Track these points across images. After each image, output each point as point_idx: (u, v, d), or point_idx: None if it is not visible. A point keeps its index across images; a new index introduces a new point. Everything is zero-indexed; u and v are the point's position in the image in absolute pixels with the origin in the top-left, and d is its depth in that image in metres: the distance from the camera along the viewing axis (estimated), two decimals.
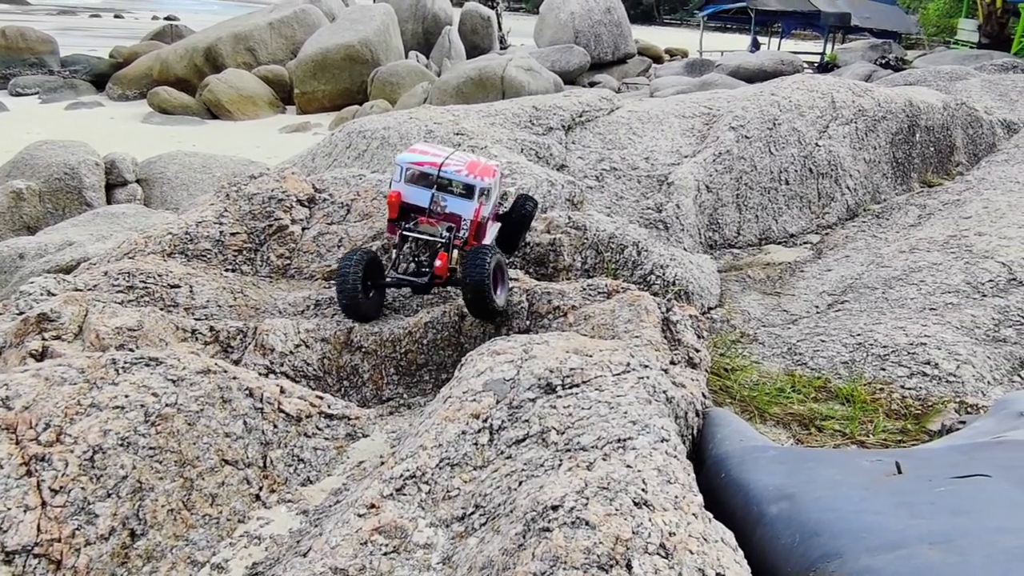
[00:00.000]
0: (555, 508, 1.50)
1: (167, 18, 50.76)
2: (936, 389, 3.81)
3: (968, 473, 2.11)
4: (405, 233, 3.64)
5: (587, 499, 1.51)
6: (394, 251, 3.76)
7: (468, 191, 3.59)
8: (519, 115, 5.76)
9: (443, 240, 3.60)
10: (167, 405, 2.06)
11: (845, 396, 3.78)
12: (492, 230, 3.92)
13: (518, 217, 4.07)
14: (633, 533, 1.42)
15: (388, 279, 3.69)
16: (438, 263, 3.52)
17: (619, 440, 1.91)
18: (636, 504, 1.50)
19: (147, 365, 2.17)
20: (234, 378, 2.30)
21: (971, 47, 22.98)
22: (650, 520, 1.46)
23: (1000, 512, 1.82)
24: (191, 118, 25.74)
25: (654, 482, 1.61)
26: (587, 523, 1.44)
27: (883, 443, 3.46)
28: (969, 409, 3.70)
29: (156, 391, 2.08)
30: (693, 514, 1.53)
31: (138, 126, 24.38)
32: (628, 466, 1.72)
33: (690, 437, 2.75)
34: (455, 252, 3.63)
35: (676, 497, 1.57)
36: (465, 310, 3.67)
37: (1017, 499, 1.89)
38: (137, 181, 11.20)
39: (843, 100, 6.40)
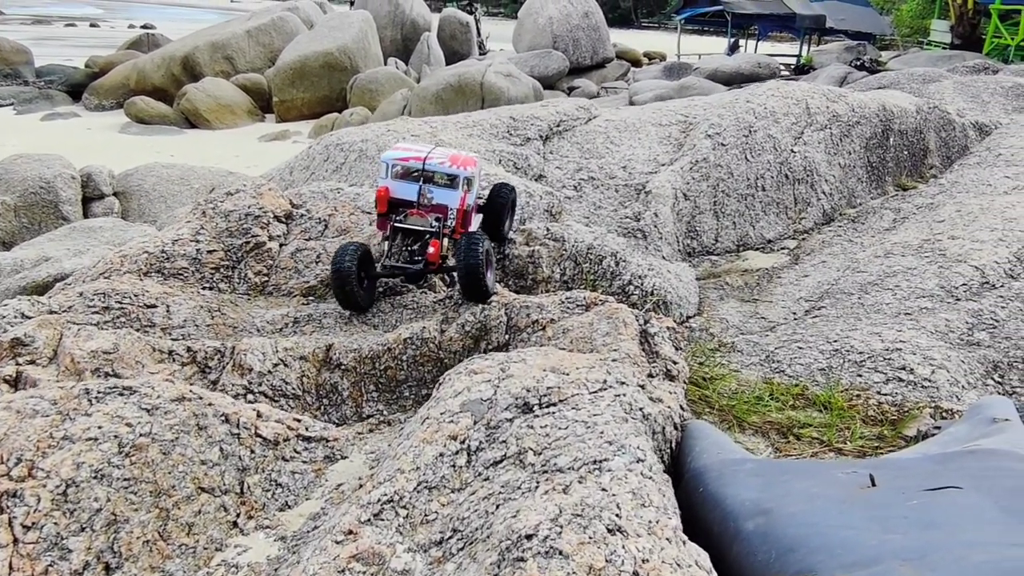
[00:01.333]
0: (529, 537, 1.51)
1: (143, 26, 50.42)
2: (912, 394, 3.86)
3: (941, 485, 2.13)
4: (396, 226, 3.82)
5: (561, 527, 1.52)
6: (386, 244, 3.91)
7: (452, 181, 3.82)
8: (497, 126, 5.77)
9: (433, 230, 3.81)
10: (141, 435, 2.05)
11: (822, 403, 3.82)
12: (476, 220, 4.13)
13: (498, 205, 4.27)
14: (607, 561, 1.43)
15: (382, 269, 3.85)
16: (431, 250, 3.72)
17: (595, 461, 1.92)
18: (610, 531, 1.51)
19: (120, 395, 2.15)
20: (209, 404, 2.29)
21: (944, 48, 23.29)
22: (624, 547, 1.46)
23: (971, 525, 1.85)
24: (169, 128, 25.56)
25: (628, 506, 1.62)
26: (561, 552, 1.44)
27: (860, 450, 3.50)
28: (944, 414, 3.74)
29: (130, 421, 2.06)
30: (667, 539, 1.54)
31: (115, 136, 24.18)
32: (603, 489, 1.73)
33: (668, 451, 2.77)
34: (445, 240, 3.84)
35: (650, 522, 1.58)
36: (444, 325, 3.69)
37: (988, 512, 1.92)
38: (114, 194, 11.10)
39: (817, 106, 6.47)
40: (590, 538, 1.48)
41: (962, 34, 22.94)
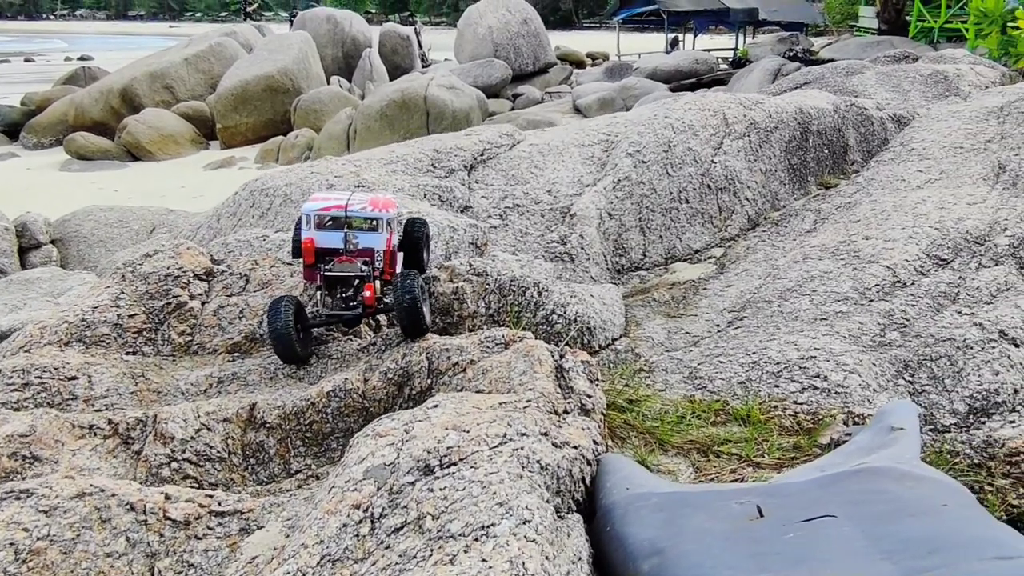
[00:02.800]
0: None
1: (80, 58, 49.51)
2: (826, 402, 4.01)
3: (819, 513, 2.25)
4: (328, 275, 3.90)
5: None
6: (317, 294, 4.00)
7: (376, 224, 3.94)
8: (421, 159, 5.84)
9: (363, 274, 3.92)
10: (39, 539, 2.08)
11: (742, 417, 3.95)
12: (399, 259, 4.24)
13: (414, 240, 4.35)
14: None
15: (318, 318, 3.95)
16: (367, 294, 3.86)
17: (483, 527, 2.01)
18: None
19: (17, 499, 2.18)
20: (113, 495, 2.32)
21: (873, 33, 23.87)
22: None
23: (834, 559, 1.96)
24: (111, 162, 25.21)
25: None
26: None
27: (777, 462, 3.64)
28: (856, 419, 3.90)
29: (27, 526, 2.09)
30: None
31: (57, 175, 23.78)
32: (483, 560, 1.81)
33: (582, 489, 2.86)
34: (377, 283, 3.96)
35: None
36: (367, 374, 3.74)
37: (854, 542, 2.03)
38: (52, 241, 10.95)
39: (734, 115, 6.64)
40: None
41: (888, 19, 23.52)
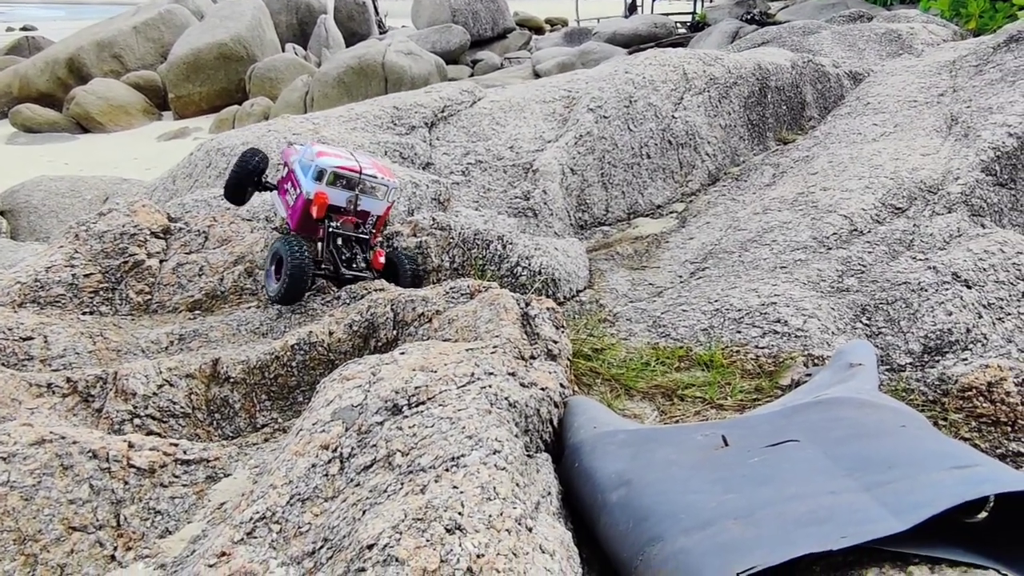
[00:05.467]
0: (370, 547, 1.59)
1: (23, 28, 47.81)
2: (786, 345, 4.08)
3: (782, 439, 2.30)
4: (338, 232, 4.04)
5: (400, 533, 1.60)
6: (319, 246, 4.06)
7: (383, 191, 4.10)
8: (380, 116, 5.75)
9: (365, 236, 4.11)
10: None
11: (705, 362, 4.01)
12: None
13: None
14: (441, 562, 1.51)
15: (329, 272, 4.04)
16: (381, 260, 4.07)
17: (453, 458, 2.01)
18: (448, 530, 1.60)
19: None
20: (74, 443, 2.28)
21: None
22: (460, 545, 1.56)
23: (798, 478, 2.01)
24: (60, 134, 24.48)
25: (472, 503, 1.71)
26: (397, 559, 1.53)
27: (740, 404, 3.70)
28: (815, 361, 3.98)
29: None
30: (506, 530, 1.64)
31: (3, 148, 23.05)
32: (455, 487, 1.82)
33: (550, 430, 2.89)
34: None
35: (491, 515, 1.67)
36: (332, 327, 3.71)
37: (816, 462, 2.08)
38: (1, 213, 10.62)
39: (694, 71, 6.65)
40: (427, 541, 1.57)
41: None
